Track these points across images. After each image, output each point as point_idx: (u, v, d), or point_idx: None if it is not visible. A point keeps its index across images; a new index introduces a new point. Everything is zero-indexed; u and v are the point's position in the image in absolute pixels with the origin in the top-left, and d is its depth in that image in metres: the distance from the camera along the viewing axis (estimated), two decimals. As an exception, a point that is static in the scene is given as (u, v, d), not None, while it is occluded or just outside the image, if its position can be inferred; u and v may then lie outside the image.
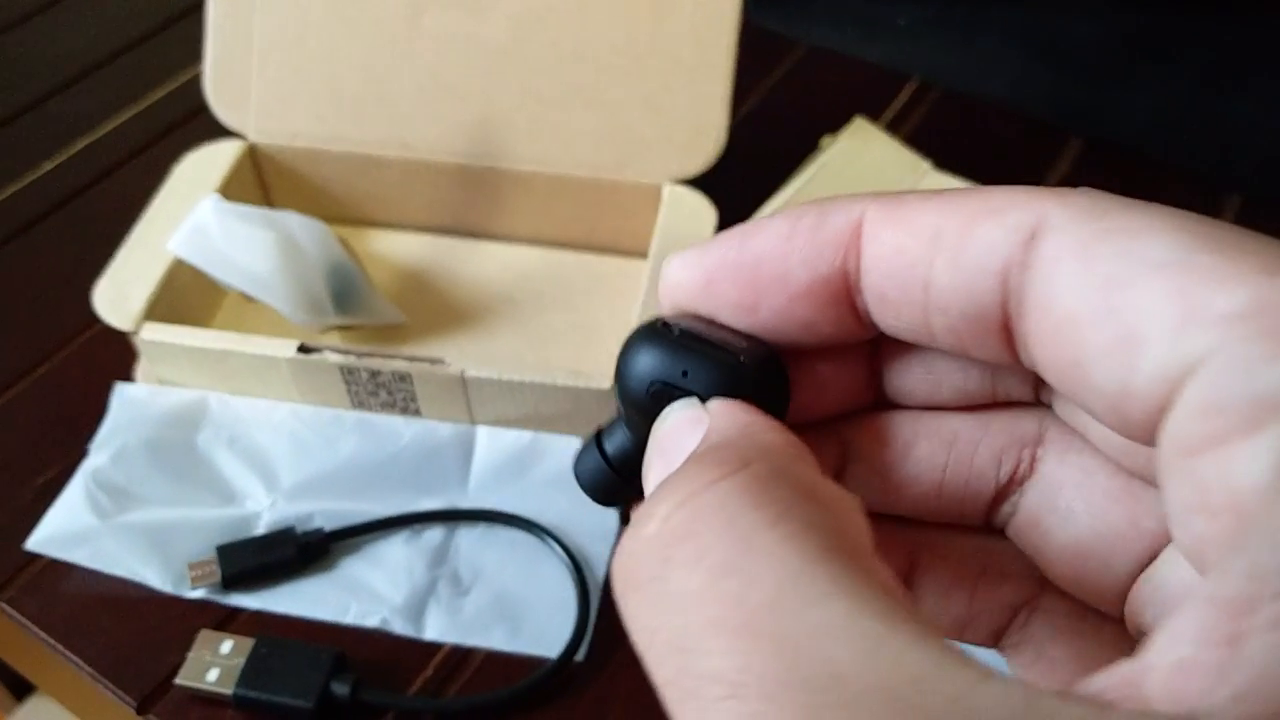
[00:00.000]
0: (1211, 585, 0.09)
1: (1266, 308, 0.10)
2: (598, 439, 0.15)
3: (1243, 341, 0.10)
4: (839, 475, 0.15)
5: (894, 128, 0.48)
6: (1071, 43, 0.49)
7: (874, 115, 0.46)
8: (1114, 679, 0.10)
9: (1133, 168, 0.46)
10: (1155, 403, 0.11)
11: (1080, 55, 0.49)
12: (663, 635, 0.10)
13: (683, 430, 0.13)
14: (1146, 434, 0.11)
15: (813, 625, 0.09)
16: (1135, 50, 0.48)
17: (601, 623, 0.32)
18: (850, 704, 0.09)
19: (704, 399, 0.13)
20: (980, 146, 0.48)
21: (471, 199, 0.41)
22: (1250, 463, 0.10)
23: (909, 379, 0.15)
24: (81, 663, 0.32)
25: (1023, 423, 0.14)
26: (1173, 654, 0.09)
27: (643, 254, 0.41)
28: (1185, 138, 0.47)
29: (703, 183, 0.39)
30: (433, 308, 0.40)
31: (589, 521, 0.34)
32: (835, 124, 0.42)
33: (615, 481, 0.15)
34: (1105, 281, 0.11)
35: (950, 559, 0.15)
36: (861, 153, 0.41)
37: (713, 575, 0.10)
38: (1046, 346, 0.12)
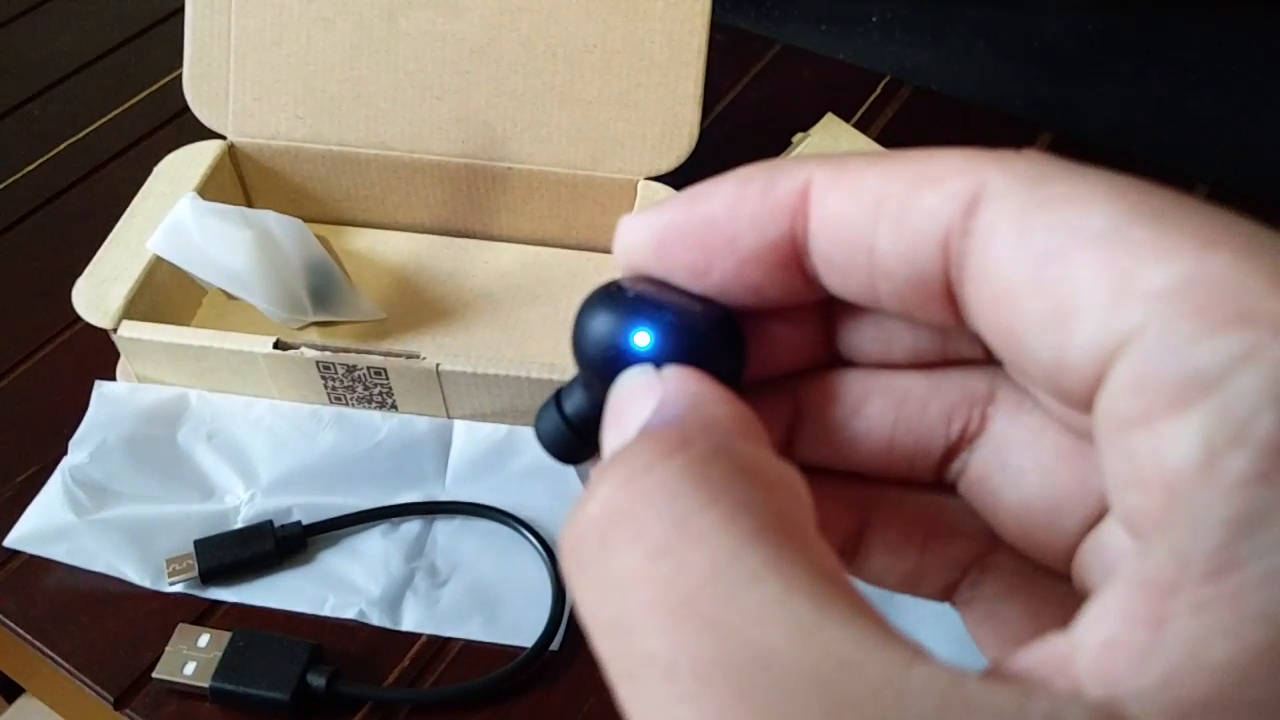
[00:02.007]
0: (1137, 564, 0.09)
1: (1197, 284, 0.10)
2: (558, 399, 0.15)
3: (1172, 318, 0.10)
4: (791, 433, 0.15)
5: (865, 124, 0.48)
6: (1041, 39, 0.50)
7: (846, 112, 0.47)
8: (1044, 654, 0.10)
9: (1102, 162, 0.47)
10: (1089, 376, 0.11)
11: (1050, 51, 0.50)
12: (604, 614, 0.10)
13: (636, 398, 0.13)
14: (1083, 405, 0.11)
15: (745, 608, 0.10)
16: (1104, 46, 0.48)
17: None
18: (779, 687, 0.09)
19: (658, 364, 0.13)
20: (951, 142, 0.48)
21: (449, 197, 0.42)
22: (1178, 442, 0.10)
23: (861, 338, 0.15)
24: (59, 659, 0.32)
25: (974, 381, 0.14)
26: (1100, 632, 0.09)
27: (618, 250, 0.42)
28: (1154, 131, 0.48)
29: (676, 179, 0.39)
30: (411, 305, 0.41)
31: (564, 513, 0.34)
32: (807, 121, 0.43)
33: (574, 441, 0.15)
34: (1041, 252, 0.11)
35: (901, 515, 0.15)
36: (832, 149, 0.41)
37: (649, 557, 0.10)
38: (986, 314, 0.12)
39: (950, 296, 0.12)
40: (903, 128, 0.48)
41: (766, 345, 0.15)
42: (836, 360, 0.15)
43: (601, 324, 0.14)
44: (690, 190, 0.14)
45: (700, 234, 0.13)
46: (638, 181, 0.39)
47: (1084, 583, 0.14)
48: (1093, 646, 0.09)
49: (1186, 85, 0.47)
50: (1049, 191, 0.11)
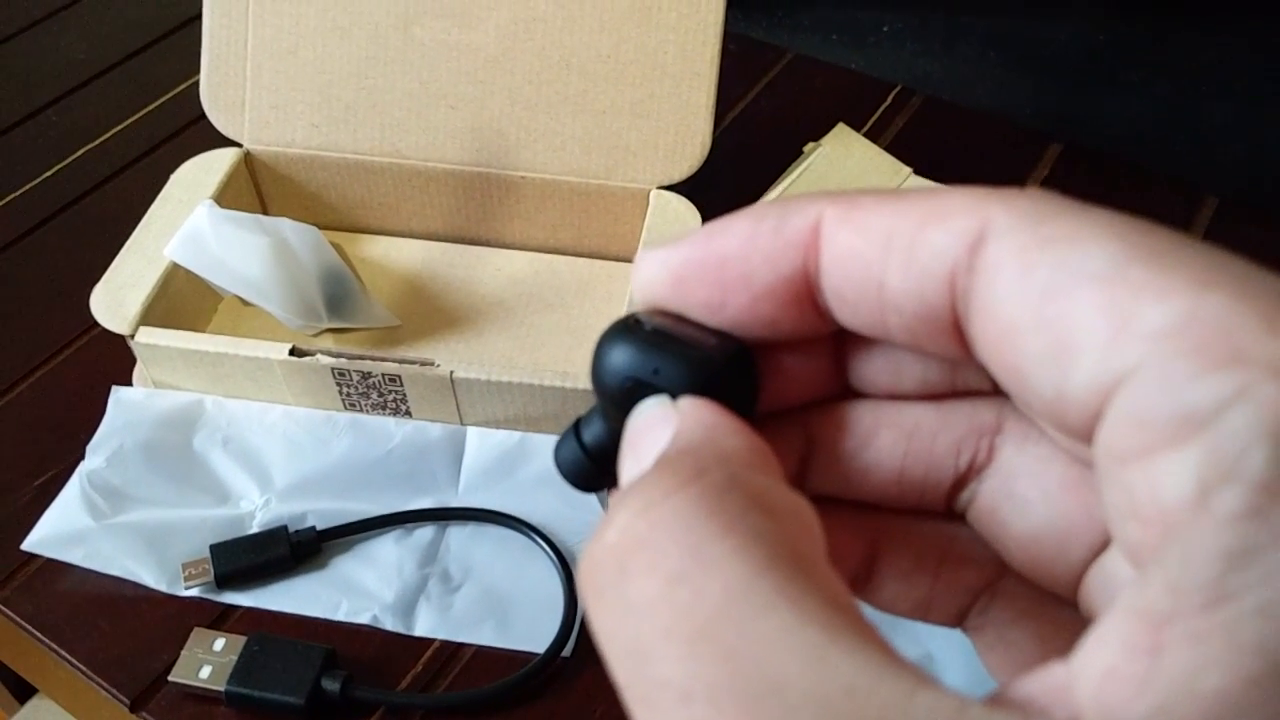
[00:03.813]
0: (1134, 595, 0.10)
1: (1193, 323, 0.10)
2: (576, 429, 0.16)
3: (1169, 357, 0.10)
4: (803, 464, 0.15)
5: (877, 133, 0.49)
6: (1051, 49, 0.50)
7: (857, 121, 0.47)
8: (1046, 682, 0.10)
9: (1112, 172, 0.47)
10: (1089, 411, 0.11)
11: (1060, 61, 0.50)
12: (621, 640, 0.11)
13: (653, 428, 0.13)
14: (1085, 437, 0.12)
15: (757, 636, 0.10)
16: (1114, 56, 0.48)
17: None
18: (790, 713, 0.09)
19: (675, 395, 0.14)
20: (961, 152, 0.48)
21: (463, 205, 0.42)
22: (1172, 478, 0.10)
23: (872, 370, 0.15)
24: (76, 661, 0.32)
25: (981, 412, 0.15)
26: (1099, 661, 0.10)
27: (630, 258, 0.42)
28: (1163, 142, 0.48)
29: (688, 188, 0.39)
30: (425, 312, 0.41)
31: (576, 520, 0.35)
32: (819, 130, 0.43)
33: (592, 470, 0.15)
34: (1042, 290, 0.11)
35: (912, 544, 0.15)
36: (843, 159, 0.41)
37: (666, 584, 0.10)
38: (991, 349, 0.12)
39: (958, 330, 0.13)
40: (914, 137, 0.49)
41: (780, 377, 0.15)
42: (848, 392, 0.15)
43: (619, 356, 0.14)
44: (705, 227, 0.14)
45: (715, 270, 0.14)
46: (650, 191, 0.40)
47: (1090, 610, 0.14)
48: (1091, 675, 0.10)
49: (1196, 96, 0.47)
50: (1050, 230, 0.12)
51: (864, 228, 0.13)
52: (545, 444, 0.36)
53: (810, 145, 0.43)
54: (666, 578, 0.10)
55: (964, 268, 0.12)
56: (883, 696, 0.09)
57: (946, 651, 0.31)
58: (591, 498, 0.37)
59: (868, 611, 0.12)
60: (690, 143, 0.39)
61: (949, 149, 0.48)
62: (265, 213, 0.43)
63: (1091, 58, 0.49)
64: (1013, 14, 0.51)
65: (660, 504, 0.11)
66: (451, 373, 0.35)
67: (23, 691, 0.57)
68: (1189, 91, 0.47)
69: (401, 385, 0.36)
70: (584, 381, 0.34)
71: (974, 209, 0.12)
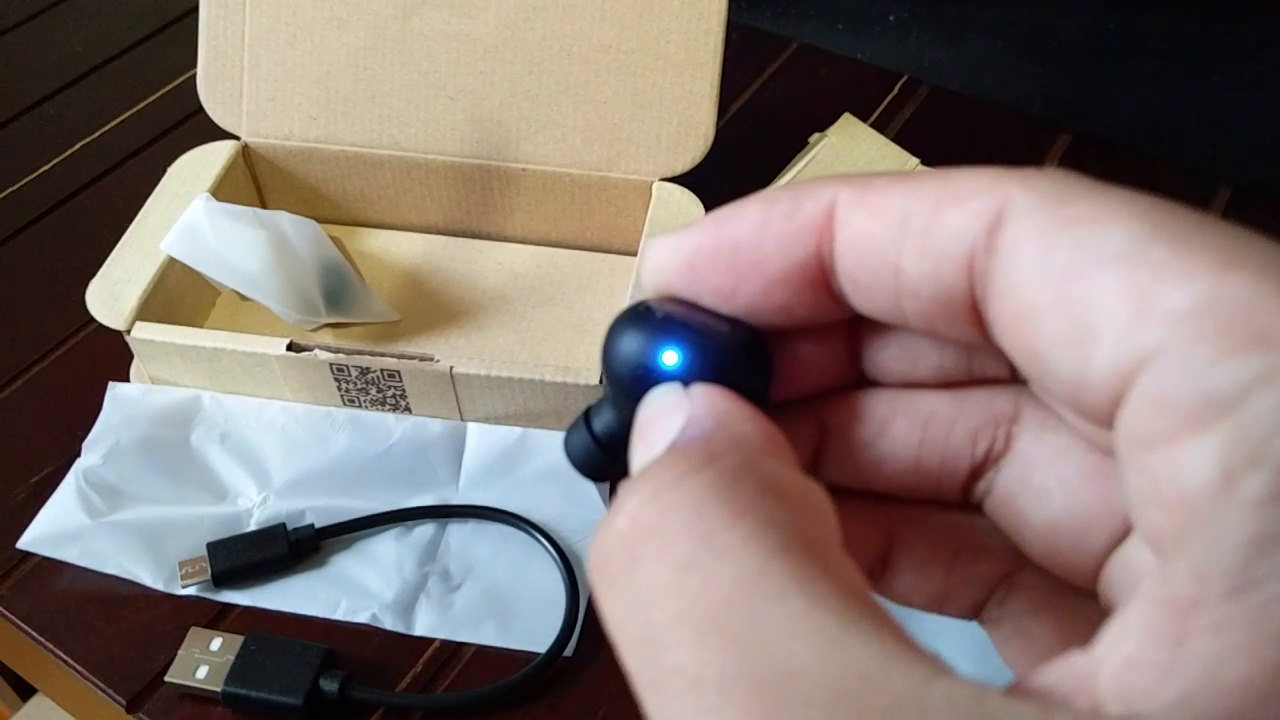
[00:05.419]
0: (1157, 583, 0.10)
1: (1216, 305, 0.10)
2: (587, 417, 0.16)
3: (1191, 339, 0.10)
4: (817, 453, 0.15)
5: (883, 124, 0.48)
6: (1060, 38, 0.49)
7: (863, 112, 0.46)
8: (1067, 672, 0.10)
9: (1122, 162, 0.46)
10: (1110, 394, 0.11)
11: (1069, 50, 0.49)
12: (631, 627, 0.11)
13: (664, 415, 0.13)
14: (1105, 422, 0.11)
15: (769, 622, 0.10)
16: (1124, 45, 0.48)
17: (590, 618, 0.32)
18: (803, 700, 0.09)
19: (686, 383, 0.13)
20: (969, 142, 0.48)
21: (463, 198, 0.41)
22: (1196, 463, 0.10)
23: (887, 357, 0.15)
24: (71, 661, 0.32)
25: (998, 401, 0.14)
26: (1121, 650, 0.09)
27: (632, 251, 0.41)
28: (1175, 131, 0.47)
29: (692, 179, 0.39)
30: (425, 306, 0.40)
31: (578, 517, 0.34)
32: (824, 121, 0.42)
33: (603, 459, 0.15)
34: (1062, 271, 0.11)
35: (928, 534, 0.15)
36: (850, 149, 0.41)
37: (677, 571, 0.10)
38: (1009, 332, 0.12)
39: (975, 314, 0.12)
40: (920, 128, 0.48)
41: (793, 364, 0.15)
42: (862, 380, 0.15)
43: (631, 344, 0.14)
44: (717, 213, 0.14)
45: (727, 256, 0.14)
46: (653, 182, 0.39)
47: (1110, 600, 0.14)
48: (1113, 664, 0.09)
49: (1208, 84, 0.46)
50: (1071, 210, 0.11)
51: (879, 210, 0.13)
52: (547, 440, 0.36)
53: (816, 136, 0.42)
54: (677, 564, 0.10)
55: (982, 249, 0.12)
56: (898, 684, 0.09)
57: (955, 654, 0.30)
58: (594, 495, 0.36)
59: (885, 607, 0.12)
60: (693, 134, 0.38)
61: (957, 139, 0.48)
62: (263, 206, 0.43)
63: (1101, 46, 0.48)
64: (1021, 2, 0.50)
65: (671, 490, 0.11)
66: (451, 368, 0.34)
67: (25, 689, 0.57)
68: (1200, 80, 0.47)
69: (401, 381, 0.35)
70: (586, 376, 0.34)
71: (992, 189, 0.12)
